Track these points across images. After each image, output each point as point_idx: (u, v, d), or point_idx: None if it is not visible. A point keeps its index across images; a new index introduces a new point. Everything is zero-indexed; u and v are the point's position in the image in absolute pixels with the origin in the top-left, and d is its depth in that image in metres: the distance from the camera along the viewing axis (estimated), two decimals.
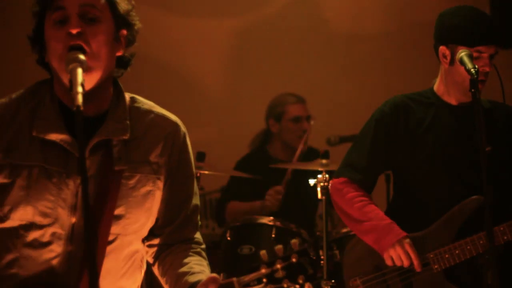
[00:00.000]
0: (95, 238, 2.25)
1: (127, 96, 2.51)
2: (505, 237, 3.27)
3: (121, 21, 2.44)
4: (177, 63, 6.54)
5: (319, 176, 4.38)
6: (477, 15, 3.34)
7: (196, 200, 2.57)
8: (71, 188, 2.36)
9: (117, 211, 2.39)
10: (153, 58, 6.37)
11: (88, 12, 2.33)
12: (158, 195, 2.47)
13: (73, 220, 2.36)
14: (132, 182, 2.42)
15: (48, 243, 2.37)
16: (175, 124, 2.54)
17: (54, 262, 2.37)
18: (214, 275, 2.31)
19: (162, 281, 2.53)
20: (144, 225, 2.48)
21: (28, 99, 2.41)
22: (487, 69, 3.26)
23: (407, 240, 3.33)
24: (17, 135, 2.36)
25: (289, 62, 6.57)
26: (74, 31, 2.28)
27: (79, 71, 2.17)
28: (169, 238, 2.54)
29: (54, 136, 2.34)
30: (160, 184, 2.47)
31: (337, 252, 4.53)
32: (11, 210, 2.36)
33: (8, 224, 2.38)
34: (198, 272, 2.41)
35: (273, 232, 4.63)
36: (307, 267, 2.35)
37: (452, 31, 3.33)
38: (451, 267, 3.34)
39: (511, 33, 5.97)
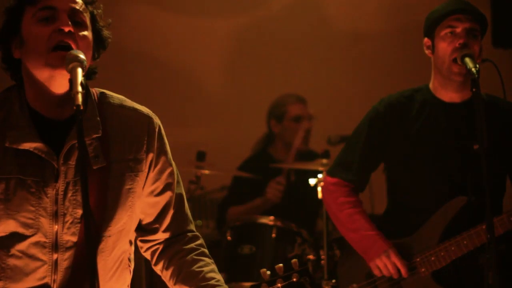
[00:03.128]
0: (94, 242, 2.24)
1: (96, 92, 2.46)
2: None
3: (97, 34, 2.41)
4: (177, 63, 6.53)
5: (320, 175, 4.38)
6: (458, 0, 3.35)
7: (179, 189, 2.55)
8: (50, 196, 2.32)
9: (99, 212, 2.36)
10: (153, 57, 6.37)
11: (77, 15, 2.32)
12: (138, 192, 2.44)
13: (55, 227, 2.34)
14: (111, 181, 2.38)
15: (33, 253, 2.34)
16: (148, 117, 2.48)
17: (41, 271, 2.35)
18: None
19: (166, 279, 2.53)
20: (126, 224, 2.45)
21: None
22: (461, 40, 3.24)
23: (393, 250, 3.35)
24: None
25: (290, 61, 6.57)
26: (66, 29, 2.26)
27: (79, 70, 2.15)
28: (164, 232, 2.53)
29: (28, 145, 2.30)
30: (140, 180, 2.44)
31: (337, 252, 4.52)
32: None
33: None
34: (215, 286, 2.43)
35: (274, 231, 4.64)
36: (307, 287, 2.36)
37: (429, 19, 3.38)
38: (440, 270, 3.34)
39: (511, 33, 5.98)
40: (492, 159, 3.19)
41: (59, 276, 2.35)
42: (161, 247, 2.55)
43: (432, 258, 3.33)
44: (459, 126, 3.38)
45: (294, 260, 2.37)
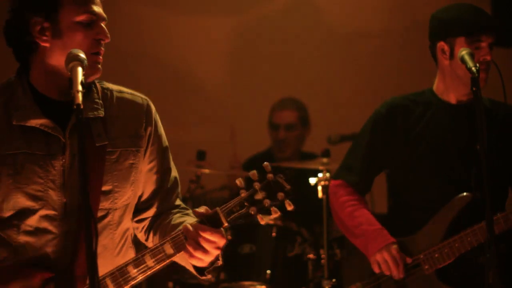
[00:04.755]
0: (92, 218, 2.28)
1: (95, 80, 2.58)
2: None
3: None
4: (177, 62, 6.53)
5: (320, 175, 4.37)
6: (472, 6, 3.36)
7: (174, 173, 2.66)
8: (57, 168, 2.42)
9: (104, 187, 2.47)
10: (152, 56, 6.37)
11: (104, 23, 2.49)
12: (140, 168, 2.56)
13: (64, 199, 2.43)
14: (114, 156, 2.50)
15: (44, 227, 2.42)
16: (146, 100, 2.63)
17: (51, 243, 2.43)
18: (202, 208, 2.40)
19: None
20: (131, 199, 2.55)
21: (0, 95, 2.46)
22: (488, 58, 3.26)
23: (395, 246, 3.33)
24: None
25: (290, 61, 6.56)
26: (107, 41, 2.45)
27: (79, 69, 2.21)
28: (157, 208, 2.61)
29: (34, 122, 2.41)
30: (141, 156, 2.55)
31: (337, 251, 4.52)
32: (2, 201, 2.41)
33: (2, 216, 2.42)
34: (185, 217, 2.51)
35: (274, 231, 4.64)
36: (283, 184, 2.40)
37: (449, 24, 3.32)
38: (445, 268, 3.34)
39: (511, 32, 5.98)
40: (494, 159, 3.19)
41: (69, 248, 2.42)
42: (153, 222, 2.63)
43: (436, 255, 3.33)
44: (463, 127, 3.38)
45: (265, 163, 2.39)
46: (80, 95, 2.13)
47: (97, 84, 2.56)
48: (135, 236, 2.67)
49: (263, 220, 2.38)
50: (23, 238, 2.42)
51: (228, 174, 5.49)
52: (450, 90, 3.40)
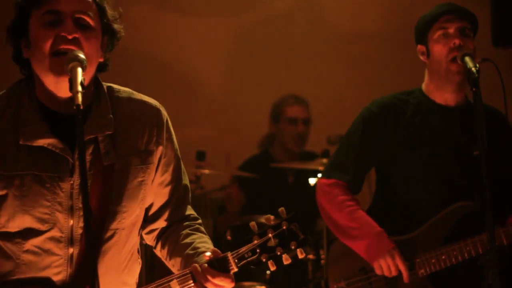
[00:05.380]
0: (96, 239, 2.26)
1: (104, 86, 2.49)
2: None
3: (106, 28, 2.43)
4: (177, 62, 6.53)
5: (320, 175, 4.37)
6: (443, 3, 3.36)
7: (185, 180, 2.61)
8: (65, 190, 2.36)
9: (111, 207, 2.40)
10: (153, 57, 6.37)
11: (81, 18, 2.34)
12: (149, 184, 2.49)
13: (71, 222, 2.37)
14: (123, 175, 2.42)
15: (49, 248, 2.37)
16: (156, 109, 2.52)
17: (56, 265, 2.38)
18: (214, 249, 2.37)
19: (169, 264, 2.56)
20: (139, 217, 2.50)
21: (6, 105, 2.39)
22: (456, 41, 3.25)
23: (397, 251, 3.32)
24: (2, 144, 2.34)
25: (290, 61, 6.56)
26: (70, 36, 2.29)
27: (79, 70, 2.18)
28: (167, 220, 2.57)
29: (42, 142, 2.33)
30: (151, 172, 2.48)
31: None
32: (8, 220, 2.36)
33: (7, 233, 2.37)
34: (202, 247, 2.45)
35: None
36: (297, 233, 2.38)
37: (419, 25, 3.38)
38: (437, 272, 3.33)
39: (511, 32, 5.98)
40: (493, 164, 3.18)
41: (74, 270, 2.37)
42: (163, 232, 2.59)
43: (433, 261, 3.32)
44: (454, 130, 3.38)
45: (281, 209, 2.39)
46: (80, 96, 2.10)
47: (106, 93, 2.46)
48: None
49: (273, 266, 2.37)
50: (26, 257, 2.37)
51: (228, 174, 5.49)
52: (437, 89, 3.39)
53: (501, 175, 3.39)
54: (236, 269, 2.35)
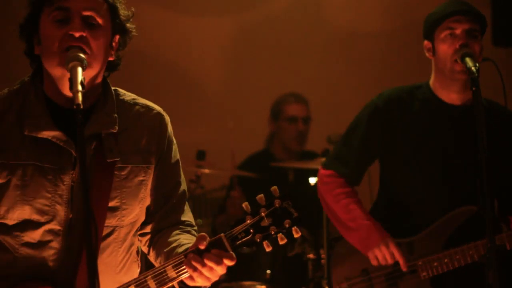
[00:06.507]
0: (95, 234, 2.26)
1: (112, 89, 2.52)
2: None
3: (119, 27, 2.47)
4: (178, 61, 6.53)
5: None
6: (452, 1, 3.35)
7: (183, 186, 2.61)
8: (66, 183, 2.38)
9: (112, 203, 2.43)
10: (153, 56, 6.37)
11: (90, 17, 2.36)
12: (149, 185, 2.51)
13: (70, 215, 2.39)
14: (124, 173, 2.45)
15: (47, 241, 2.39)
16: (160, 114, 2.56)
17: (53, 258, 2.40)
18: (202, 234, 2.33)
19: (156, 264, 2.53)
20: (138, 216, 2.51)
21: (13, 99, 2.42)
22: (461, 41, 3.24)
23: (392, 240, 3.32)
24: (7, 135, 2.38)
25: (290, 61, 6.56)
26: (77, 34, 2.32)
27: (79, 70, 2.20)
28: (160, 223, 2.56)
29: (46, 134, 2.36)
30: (151, 173, 2.50)
31: None
32: (8, 211, 2.38)
33: (6, 223, 2.39)
34: (187, 243, 2.42)
35: None
36: (291, 211, 2.35)
37: (428, 21, 3.36)
38: (439, 275, 3.33)
39: (511, 32, 5.98)
40: (494, 161, 3.18)
41: (71, 264, 2.38)
42: (155, 236, 2.58)
43: (435, 264, 3.32)
44: (459, 128, 3.37)
45: (273, 188, 2.35)
46: (80, 95, 2.12)
47: (113, 95, 2.50)
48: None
49: (269, 247, 2.34)
50: (24, 250, 2.39)
51: (228, 174, 5.49)
52: (443, 88, 3.39)
53: (508, 177, 3.39)
54: (230, 252, 2.31)
